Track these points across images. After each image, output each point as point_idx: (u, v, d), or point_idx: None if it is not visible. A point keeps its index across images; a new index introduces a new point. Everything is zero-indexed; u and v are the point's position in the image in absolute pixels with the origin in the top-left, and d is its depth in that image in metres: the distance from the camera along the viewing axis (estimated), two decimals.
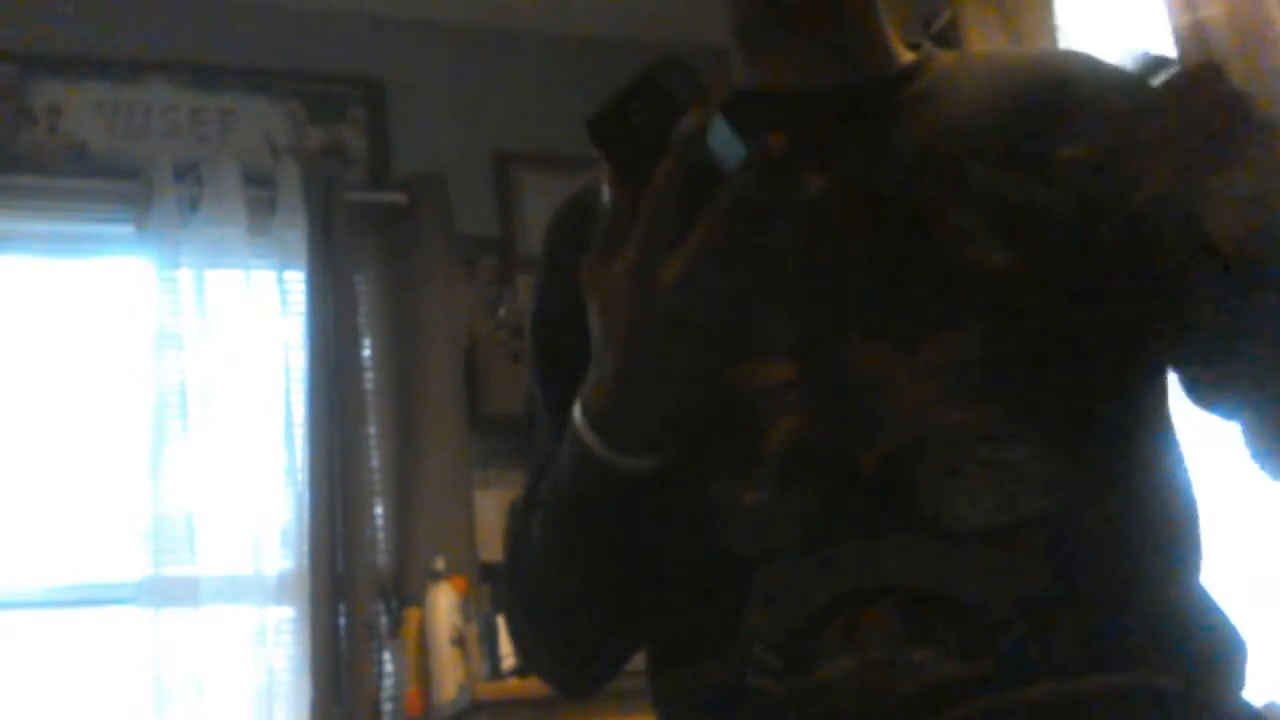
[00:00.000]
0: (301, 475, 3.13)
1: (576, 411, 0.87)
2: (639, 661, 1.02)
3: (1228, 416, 0.92)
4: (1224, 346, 0.88)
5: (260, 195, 3.32)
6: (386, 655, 3.10)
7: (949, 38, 3.08)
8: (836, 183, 0.98)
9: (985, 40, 2.97)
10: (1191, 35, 2.50)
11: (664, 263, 0.79)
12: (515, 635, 1.04)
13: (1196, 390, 0.92)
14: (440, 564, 2.99)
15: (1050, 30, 2.90)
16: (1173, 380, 0.97)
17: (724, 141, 0.79)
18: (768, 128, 0.78)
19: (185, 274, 3.22)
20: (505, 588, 1.04)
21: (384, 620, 3.08)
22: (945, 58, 1.08)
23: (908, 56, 1.07)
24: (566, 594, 0.95)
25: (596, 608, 0.95)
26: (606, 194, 0.81)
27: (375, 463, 3.27)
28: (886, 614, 0.86)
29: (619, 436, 0.85)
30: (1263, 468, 0.90)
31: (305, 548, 3.07)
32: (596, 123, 0.79)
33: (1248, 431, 0.91)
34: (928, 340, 0.91)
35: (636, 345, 0.82)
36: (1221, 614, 0.93)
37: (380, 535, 3.22)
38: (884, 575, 0.87)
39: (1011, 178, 0.96)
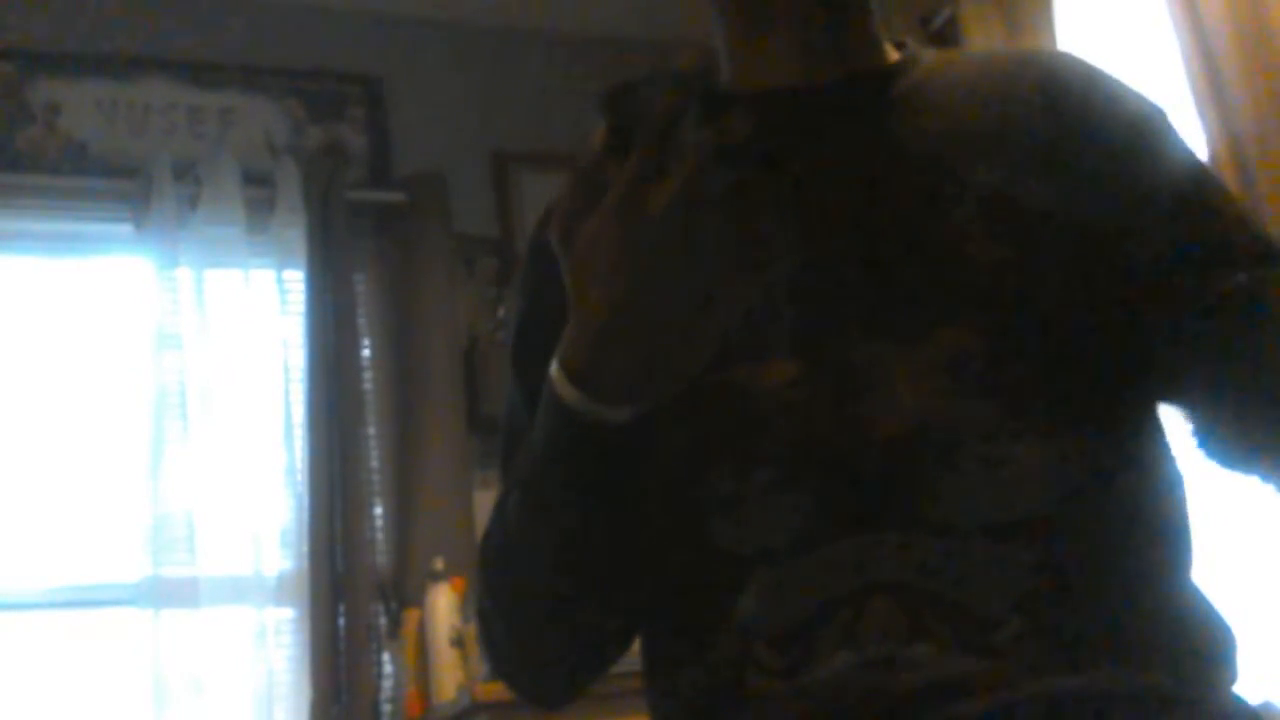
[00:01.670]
0: (301, 475, 3.12)
1: (553, 368, 0.85)
2: (637, 662, 1.01)
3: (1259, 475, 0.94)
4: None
5: (259, 194, 3.31)
6: (386, 656, 3.09)
7: (948, 36, 3.07)
8: (829, 180, 0.98)
9: (986, 38, 2.96)
10: (1191, 33, 2.50)
11: (651, 194, 0.79)
12: (487, 636, 1.02)
13: (1223, 452, 0.94)
14: (440, 564, 2.98)
15: (1050, 27, 2.89)
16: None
17: None
18: (754, 125, 0.78)
19: (184, 273, 3.21)
20: (478, 586, 1.03)
21: (383, 621, 3.07)
22: (930, 56, 1.08)
23: (894, 55, 1.07)
24: (543, 578, 0.94)
25: (575, 592, 0.93)
26: (594, 148, 0.82)
27: (375, 463, 3.26)
28: (885, 611, 0.86)
29: (596, 385, 0.83)
30: None
31: (305, 548, 3.06)
32: (610, 95, 0.81)
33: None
34: (926, 337, 0.91)
35: (624, 279, 0.81)
36: (1213, 610, 0.93)
37: (380, 536, 3.21)
38: (883, 572, 0.87)
39: (1003, 174, 0.96)
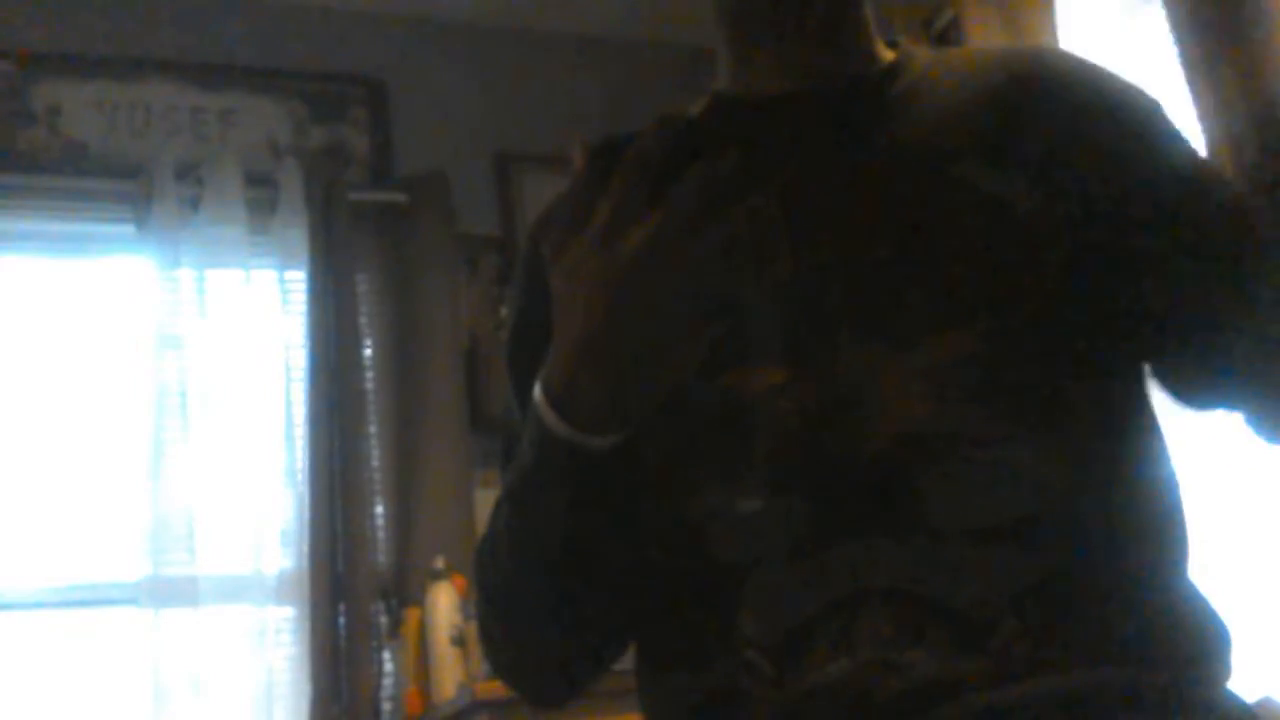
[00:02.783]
0: (301, 475, 3.12)
1: (537, 391, 0.86)
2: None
3: (1227, 408, 0.94)
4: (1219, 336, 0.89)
5: (261, 195, 3.31)
6: (386, 654, 3.09)
7: (950, 38, 3.07)
8: (821, 186, 0.98)
9: (987, 39, 2.97)
10: (1191, 32, 2.50)
11: (632, 228, 0.80)
12: (485, 639, 1.03)
13: (1190, 391, 0.95)
14: (440, 563, 2.98)
15: (1052, 28, 2.89)
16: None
17: None
18: (751, 132, 0.78)
19: (186, 273, 3.21)
20: (475, 591, 1.04)
21: (384, 620, 3.07)
22: (923, 56, 1.07)
23: (888, 55, 1.07)
24: (534, 587, 0.94)
25: (566, 600, 0.94)
26: (576, 174, 0.83)
27: (375, 463, 3.25)
28: (879, 617, 0.86)
29: (577, 412, 0.84)
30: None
31: (305, 547, 3.06)
32: (601, 143, 0.85)
33: (1257, 418, 0.94)
34: (917, 341, 0.91)
35: (599, 311, 0.81)
36: (1209, 607, 0.93)
37: (380, 535, 3.21)
38: (876, 578, 0.86)
39: (995, 176, 0.96)
